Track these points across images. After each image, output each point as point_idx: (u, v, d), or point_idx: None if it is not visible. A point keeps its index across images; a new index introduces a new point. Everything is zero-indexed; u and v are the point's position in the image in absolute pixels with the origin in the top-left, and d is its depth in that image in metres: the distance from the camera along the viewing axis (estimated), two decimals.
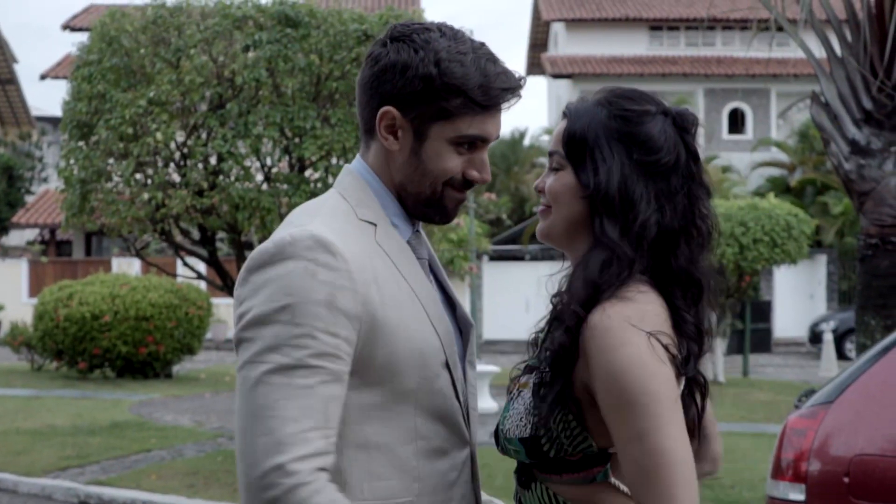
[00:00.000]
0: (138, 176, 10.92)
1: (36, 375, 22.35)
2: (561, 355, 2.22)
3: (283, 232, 2.20)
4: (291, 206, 10.33)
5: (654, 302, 2.25)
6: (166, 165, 10.86)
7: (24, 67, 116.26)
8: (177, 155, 10.98)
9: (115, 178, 11.00)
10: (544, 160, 41.20)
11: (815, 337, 29.72)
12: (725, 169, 38.29)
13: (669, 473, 2.08)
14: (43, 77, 41.13)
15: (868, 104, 10.87)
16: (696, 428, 2.37)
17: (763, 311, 31.11)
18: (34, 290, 35.85)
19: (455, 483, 2.35)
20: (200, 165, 10.79)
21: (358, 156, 2.45)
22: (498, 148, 43.61)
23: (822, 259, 36.12)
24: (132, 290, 21.29)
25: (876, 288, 10.69)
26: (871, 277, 10.78)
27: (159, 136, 10.04)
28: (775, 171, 38.73)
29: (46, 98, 74.21)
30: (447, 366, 2.32)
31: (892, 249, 10.59)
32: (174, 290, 21.67)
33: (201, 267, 17.77)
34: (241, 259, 11.56)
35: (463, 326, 2.47)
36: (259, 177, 11.06)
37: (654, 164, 2.30)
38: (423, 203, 2.37)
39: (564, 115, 2.39)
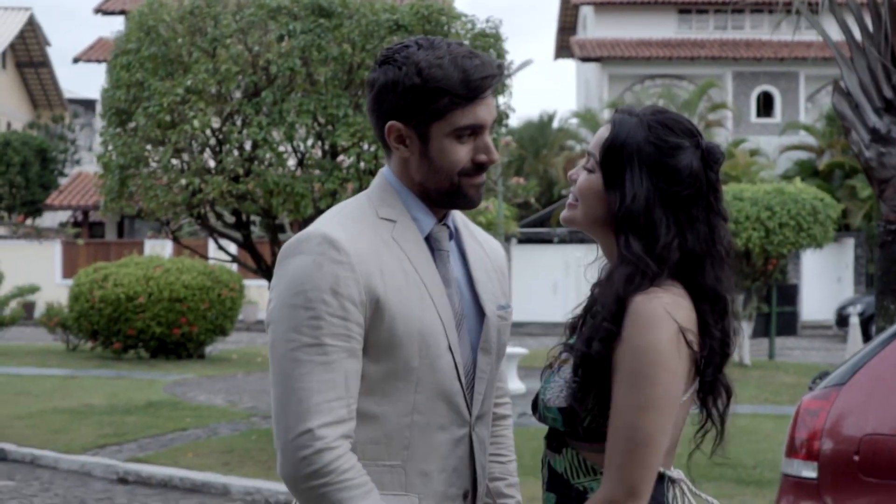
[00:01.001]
0: (175, 161, 11.17)
1: (71, 355, 22.75)
2: (595, 363, 2.49)
3: (304, 230, 2.59)
4: (325, 192, 10.61)
5: (687, 301, 2.54)
6: (202, 152, 11.11)
7: (54, 50, 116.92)
8: (212, 141, 11.23)
9: (153, 164, 11.26)
10: (573, 143, 41.35)
11: (842, 320, 29.77)
12: (754, 152, 38.29)
13: (634, 453, 2.43)
14: (76, 60, 41.52)
15: (889, 93, 11.04)
16: (718, 432, 2.67)
17: (789, 295, 31.14)
18: (68, 271, 36.29)
19: (448, 455, 2.63)
20: (236, 152, 11.04)
21: (385, 165, 2.74)
22: (527, 131, 43.76)
23: (849, 242, 36.11)
24: (166, 272, 21.67)
25: (894, 273, 10.90)
26: (890, 263, 10.98)
27: (196, 123, 10.30)
28: (803, 155, 38.71)
29: (78, 81, 74.60)
30: (450, 349, 2.60)
31: None
32: (207, 272, 22.03)
33: (233, 249, 18.03)
34: (274, 242, 11.84)
35: (477, 318, 2.71)
36: (292, 163, 11.31)
37: (676, 195, 2.56)
38: (445, 195, 2.63)
39: (611, 122, 2.63)
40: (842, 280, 36.24)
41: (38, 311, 29.12)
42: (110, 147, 11.35)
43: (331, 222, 2.59)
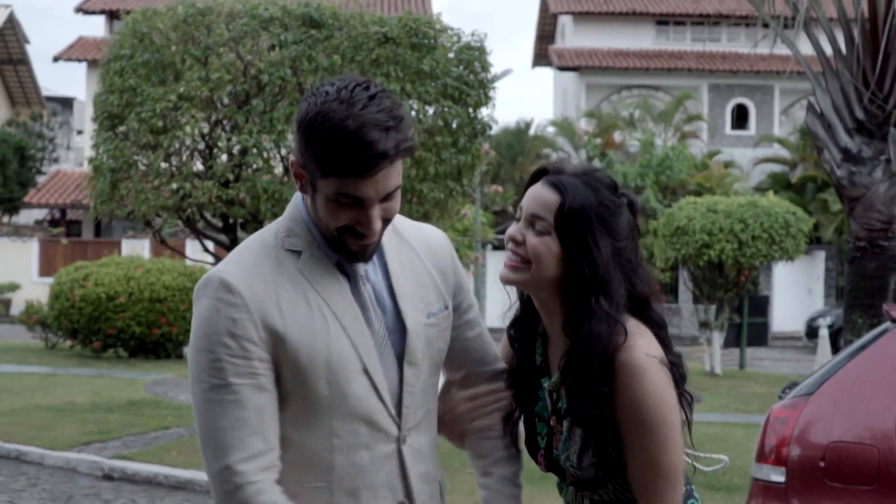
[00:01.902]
0: (164, 165, 11.41)
1: (50, 353, 22.88)
2: (600, 424, 2.71)
3: (208, 272, 2.66)
4: None
5: (648, 330, 2.78)
6: (192, 157, 11.37)
7: (32, 47, 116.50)
8: (201, 146, 11.48)
9: (142, 168, 11.49)
10: (549, 151, 41.62)
11: (812, 331, 30.09)
12: (728, 164, 38.67)
13: (667, 483, 2.68)
14: (56, 59, 41.54)
15: (860, 114, 11.43)
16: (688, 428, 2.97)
17: (760, 306, 31.61)
18: (45, 269, 36.36)
19: (376, 473, 2.67)
20: (225, 157, 11.29)
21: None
22: (503, 138, 44.00)
23: (820, 255, 36.56)
24: (146, 273, 21.88)
25: (864, 288, 11.28)
26: (859, 279, 11.38)
27: (188, 129, 10.58)
28: (777, 167, 39.11)
29: (56, 79, 74.51)
30: (365, 371, 2.62)
31: (879, 252, 11.18)
32: (187, 273, 22.26)
33: (211, 250, 18.38)
34: None
35: (399, 333, 2.72)
36: (279, 169, 11.57)
37: (623, 249, 2.76)
38: (329, 242, 2.63)
39: (554, 186, 2.75)
40: (812, 292, 36.69)
41: (15, 309, 29.24)
42: (101, 150, 11.57)
43: (231, 264, 2.63)
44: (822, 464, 5.65)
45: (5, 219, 42.90)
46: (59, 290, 21.97)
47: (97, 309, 21.41)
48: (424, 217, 11.95)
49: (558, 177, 2.75)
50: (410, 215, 11.93)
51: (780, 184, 37.07)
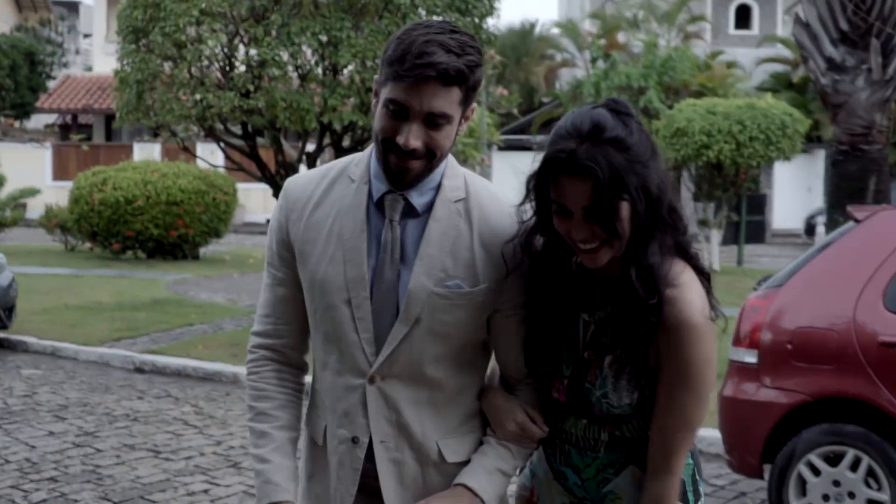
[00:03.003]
0: (187, 77, 12.02)
1: (70, 256, 23.67)
2: (646, 362, 2.70)
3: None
4: (328, 108, 11.51)
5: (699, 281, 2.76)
6: (213, 69, 11.98)
7: None
8: (222, 59, 12.09)
9: (166, 79, 12.11)
10: (554, 52, 41.94)
11: (810, 229, 30.71)
12: (730, 64, 38.91)
13: (689, 435, 2.74)
14: None
15: (844, 25, 12.02)
16: None
17: (759, 204, 32.19)
18: (58, 174, 37.04)
19: (340, 398, 2.82)
20: (243, 68, 11.91)
21: None
22: (508, 39, 44.22)
23: (820, 154, 36.86)
24: (163, 177, 22.56)
25: (845, 189, 11.99)
26: (840, 180, 12.08)
27: (211, 43, 11.19)
28: (779, 67, 39.33)
29: None
30: (348, 303, 2.74)
31: (860, 156, 11.87)
32: (202, 176, 22.92)
33: (220, 156, 19.02)
34: (279, 152, 12.76)
35: (406, 290, 2.75)
36: (295, 81, 12.18)
37: (664, 184, 2.67)
38: (380, 163, 2.73)
39: (580, 171, 2.56)
40: (812, 190, 37.05)
41: (30, 213, 29.89)
42: (126, 63, 12.19)
43: (305, 173, 2.94)
44: (789, 346, 6.40)
45: (16, 124, 43.45)
46: (78, 195, 22.67)
47: (116, 212, 22.14)
48: None
49: (575, 160, 2.55)
50: None
51: (781, 83, 37.37)
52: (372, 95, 2.84)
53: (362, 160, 2.81)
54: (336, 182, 2.81)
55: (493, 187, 2.86)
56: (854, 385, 6.16)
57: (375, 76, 2.71)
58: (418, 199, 2.75)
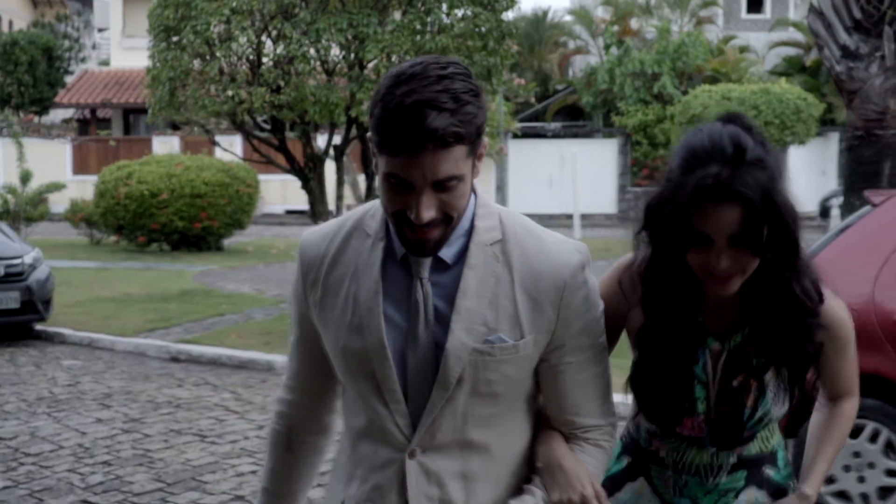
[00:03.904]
0: (218, 74, 12.39)
1: (96, 249, 24.11)
2: (807, 366, 2.74)
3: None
4: (357, 102, 11.86)
5: None
6: (244, 65, 12.35)
7: None
8: (251, 56, 12.44)
9: (197, 77, 12.47)
10: (566, 39, 42.20)
11: (825, 211, 30.74)
12: (743, 49, 39.17)
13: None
14: None
15: (858, 13, 12.35)
16: None
17: None
18: (78, 167, 37.50)
19: (374, 468, 2.55)
20: (272, 64, 12.26)
21: None
22: (521, 27, 44.48)
23: (834, 137, 37.06)
24: (186, 170, 22.99)
25: (861, 174, 12.31)
26: (856, 164, 12.41)
27: (242, 40, 11.55)
28: (792, 51, 39.49)
29: None
30: (372, 375, 2.48)
31: (874, 140, 12.20)
32: (225, 168, 23.34)
33: (238, 150, 19.38)
34: (307, 145, 13.11)
35: (443, 350, 2.46)
36: (323, 76, 12.53)
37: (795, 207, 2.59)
38: (395, 235, 2.47)
39: (730, 197, 2.42)
40: (826, 173, 37.22)
41: (53, 207, 30.34)
42: (157, 60, 12.55)
43: (321, 226, 2.69)
44: None
45: (35, 119, 43.89)
46: (103, 189, 23.12)
47: (141, 205, 22.58)
48: None
49: (725, 186, 2.41)
50: None
51: (794, 67, 37.59)
52: (370, 151, 2.47)
53: (378, 212, 2.53)
54: (352, 237, 2.55)
55: (530, 223, 2.58)
56: (872, 361, 6.45)
57: (370, 135, 2.37)
58: (447, 251, 2.46)
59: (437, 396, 2.45)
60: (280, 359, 11.56)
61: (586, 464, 2.57)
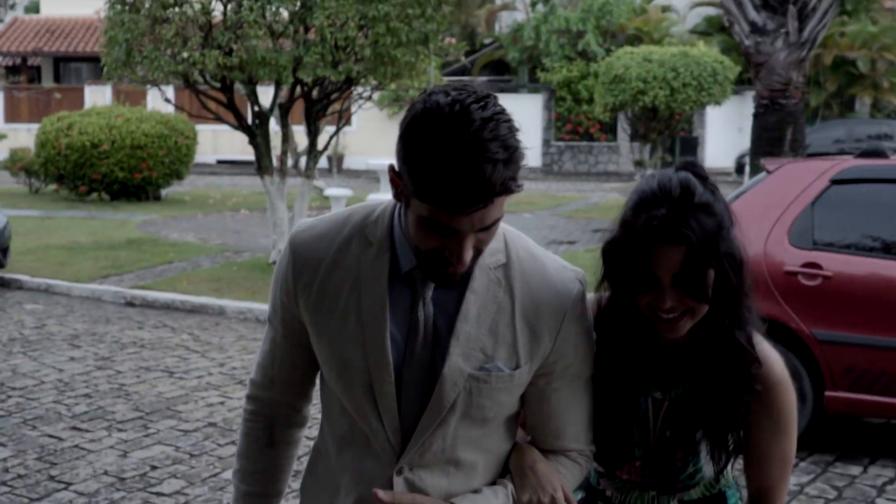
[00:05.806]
0: (171, 35, 13.15)
1: (36, 198, 24.65)
2: (735, 429, 2.68)
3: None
4: (304, 65, 12.72)
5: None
6: (200, 29, 13.13)
7: None
8: (202, 20, 13.21)
9: (152, 39, 13.22)
10: None
11: (741, 168, 31.95)
12: (665, 8, 39.94)
13: (790, 470, 2.78)
14: None
15: None
16: None
17: (691, 146, 33.63)
18: (9, 116, 37.80)
19: (357, 483, 2.50)
20: (224, 28, 13.07)
21: None
22: None
23: (750, 95, 37.61)
24: (126, 122, 23.60)
25: (765, 139, 13.54)
26: (762, 130, 13.63)
27: (197, 6, 12.35)
28: (713, 11, 40.26)
29: None
30: (370, 389, 2.40)
31: (778, 109, 13.43)
32: (164, 121, 23.97)
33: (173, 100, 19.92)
34: (254, 104, 13.96)
35: (439, 374, 2.40)
36: (269, 41, 13.34)
37: (741, 253, 2.57)
38: (416, 258, 2.35)
39: (675, 238, 2.42)
40: (742, 130, 37.92)
41: None
42: (114, 24, 13.31)
43: (313, 223, 2.54)
44: None
45: None
46: (44, 139, 23.66)
47: (82, 156, 23.20)
48: (396, 77, 13.87)
49: (670, 226, 2.42)
50: (385, 77, 13.85)
51: (714, 27, 38.49)
52: (390, 184, 2.29)
53: (382, 220, 2.43)
54: (351, 242, 2.44)
55: (533, 245, 2.52)
56: (764, 307, 7.51)
57: (393, 166, 2.25)
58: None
59: (428, 419, 2.41)
60: (231, 304, 12.35)
61: (559, 473, 2.56)
